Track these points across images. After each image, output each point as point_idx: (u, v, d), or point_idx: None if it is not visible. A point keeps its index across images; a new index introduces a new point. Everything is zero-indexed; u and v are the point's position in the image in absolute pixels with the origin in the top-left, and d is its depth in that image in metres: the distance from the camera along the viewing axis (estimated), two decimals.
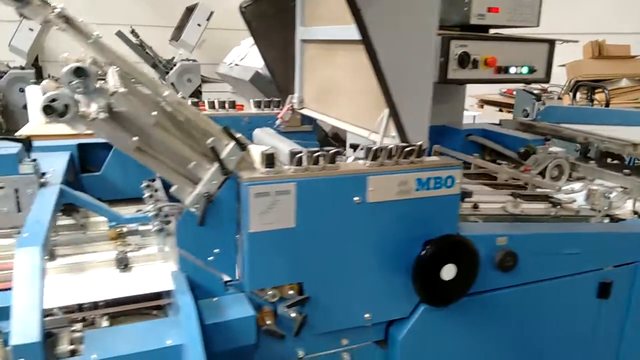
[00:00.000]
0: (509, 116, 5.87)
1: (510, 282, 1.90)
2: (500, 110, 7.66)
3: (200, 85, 8.47)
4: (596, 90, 5.36)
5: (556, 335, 2.01)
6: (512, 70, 2.74)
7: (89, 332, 1.40)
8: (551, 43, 2.80)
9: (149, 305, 1.76)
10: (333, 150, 1.57)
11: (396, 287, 1.75)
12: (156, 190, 2.49)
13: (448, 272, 1.67)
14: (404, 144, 1.64)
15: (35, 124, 3.99)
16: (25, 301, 1.26)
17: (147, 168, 2.70)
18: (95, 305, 1.69)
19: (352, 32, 2.07)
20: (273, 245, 1.54)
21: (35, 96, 3.96)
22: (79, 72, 1.26)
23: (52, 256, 1.95)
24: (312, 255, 1.61)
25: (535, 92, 5.25)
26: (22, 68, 8.23)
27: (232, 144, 1.49)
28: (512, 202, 2.24)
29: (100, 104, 1.34)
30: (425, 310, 1.80)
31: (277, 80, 2.88)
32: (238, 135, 1.49)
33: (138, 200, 2.78)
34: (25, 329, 1.21)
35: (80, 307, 1.66)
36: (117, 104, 1.36)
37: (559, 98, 6.47)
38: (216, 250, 1.57)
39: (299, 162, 1.52)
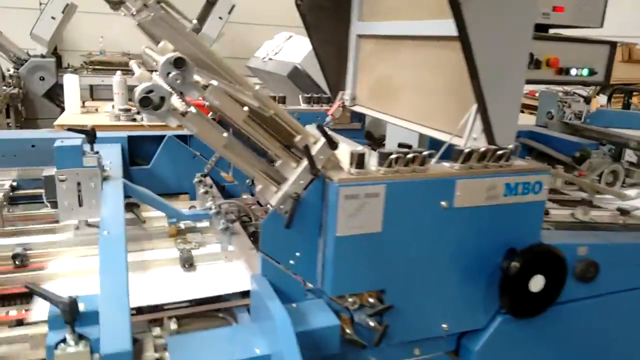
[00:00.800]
0: (531, 118, 5.75)
1: (588, 293, 1.82)
2: (522, 112, 7.56)
3: None
4: (633, 94, 5.24)
5: (635, 347, 1.93)
6: (573, 72, 2.65)
7: (171, 339, 1.33)
8: (612, 45, 2.70)
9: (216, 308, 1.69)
10: (425, 151, 1.49)
11: (475, 297, 1.67)
12: (211, 187, 2.43)
13: (536, 283, 1.59)
14: (494, 147, 1.56)
15: (71, 114, 3.94)
16: (113, 307, 1.19)
17: (195, 163, 2.68)
18: (161, 306, 1.63)
19: (428, 27, 2.00)
20: (358, 250, 1.47)
21: (72, 85, 3.89)
22: (179, 63, 1.18)
23: None
24: (396, 262, 1.53)
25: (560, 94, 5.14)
26: (42, 56, 8.18)
27: (322, 142, 1.41)
28: (582, 209, 2.15)
29: (193, 97, 1.27)
30: (503, 321, 1.72)
31: (328, 76, 2.79)
32: (329, 133, 1.41)
33: (183, 195, 2.73)
34: (115, 337, 1.14)
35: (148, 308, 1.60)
36: (210, 98, 1.29)
37: (587, 102, 6.35)
38: (297, 254, 1.49)
39: (390, 164, 1.44)
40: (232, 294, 1.65)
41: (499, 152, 1.54)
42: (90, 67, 8.33)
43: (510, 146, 1.57)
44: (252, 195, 2.72)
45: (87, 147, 1.88)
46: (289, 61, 4.09)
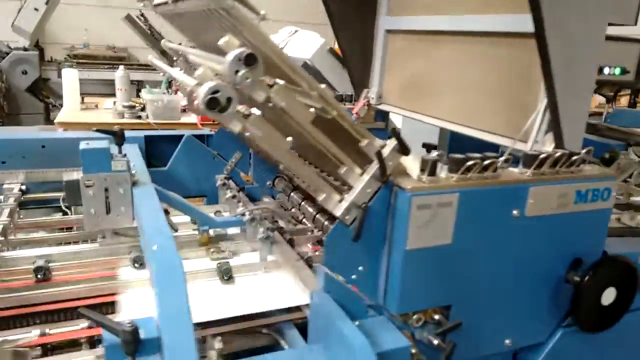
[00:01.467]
0: None
1: None
2: None
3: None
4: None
5: None
6: (606, 71, 2.58)
7: None
8: None
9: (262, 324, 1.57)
10: (497, 156, 1.38)
11: (538, 310, 1.58)
12: (239, 191, 2.29)
13: (608, 296, 1.50)
14: (568, 152, 1.46)
15: (70, 110, 3.72)
16: (175, 333, 1.05)
17: (214, 165, 2.53)
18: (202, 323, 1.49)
19: (476, 23, 1.89)
20: (427, 265, 1.35)
21: (71, 79, 3.68)
22: (250, 59, 1.05)
23: (141, 264, 1.73)
24: (464, 276, 1.42)
25: None
26: (25, 49, 7.86)
27: (391, 147, 1.28)
28: (629, 214, 2.08)
29: (259, 98, 1.13)
30: (564, 334, 1.63)
31: (353, 73, 2.67)
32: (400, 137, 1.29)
33: (199, 197, 2.59)
34: None
35: None
36: (277, 99, 1.15)
37: (610, 101, 6.34)
38: (360, 268, 1.37)
39: (466, 170, 1.33)
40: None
41: (574, 157, 1.44)
42: (74, 60, 8.05)
43: (584, 151, 1.47)
44: (273, 197, 2.59)
45: (114, 150, 1.72)
46: (298, 57, 3.95)
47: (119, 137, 1.72)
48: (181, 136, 2.48)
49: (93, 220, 1.67)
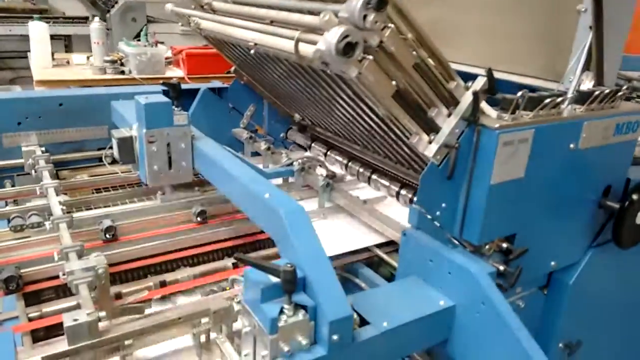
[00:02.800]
0: None
1: None
2: None
3: (145, 26, 7.66)
4: None
5: None
6: None
7: (353, 297, 1.27)
8: None
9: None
10: (559, 95, 1.50)
11: (576, 233, 1.77)
12: (273, 143, 2.28)
13: None
14: (612, 89, 1.61)
15: (42, 68, 3.42)
16: (319, 272, 1.10)
17: (230, 118, 2.50)
18: None
19: None
20: (504, 197, 1.47)
21: (40, 34, 3.37)
22: (381, 4, 1.06)
23: (205, 219, 1.74)
24: (529, 205, 1.56)
25: None
26: None
27: (479, 86, 1.36)
28: None
29: (374, 42, 1.16)
30: (594, 253, 1.85)
31: None
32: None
33: None
34: (334, 303, 1.07)
35: None
36: (388, 43, 1.18)
37: None
38: (443, 205, 1.47)
39: (542, 107, 1.44)
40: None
41: (619, 93, 1.59)
42: None
43: (625, 87, 1.63)
44: (286, 148, 2.61)
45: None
46: None
47: (176, 91, 1.67)
48: (195, 90, 2.41)
49: (155, 177, 1.64)
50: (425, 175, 1.40)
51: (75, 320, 1.01)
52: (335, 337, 1.06)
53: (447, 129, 1.38)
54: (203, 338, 1.28)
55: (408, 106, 1.37)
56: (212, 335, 1.31)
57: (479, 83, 1.36)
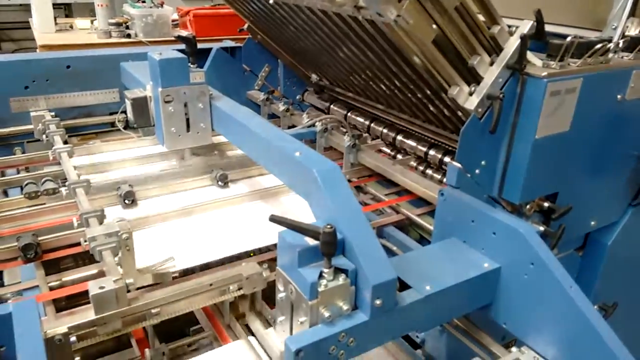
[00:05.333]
0: None
1: None
2: None
3: None
4: None
5: None
6: None
7: (393, 260, 1.19)
8: None
9: None
10: (608, 41, 1.38)
11: (617, 191, 1.68)
12: (292, 104, 2.18)
13: None
14: None
15: (44, 33, 3.29)
16: (360, 235, 1.02)
17: (244, 80, 2.39)
18: None
19: None
20: (548, 153, 1.38)
21: None
22: None
23: (225, 183, 1.66)
24: (574, 162, 1.47)
25: None
26: None
27: (526, 30, 1.24)
28: None
29: None
30: (634, 212, 1.76)
31: None
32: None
33: None
34: (377, 266, 0.99)
35: None
36: None
37: None
38: (483, 162, 1.37)
39: (591, 54, 1.32)
40: None
41: None
42: None
43: None
44: (302, 111, 2.51)
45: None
46: None
47: (192, 46, 1.55)
48: (207, 50, 2.29)
49: (173, 140, 1.55)
50: (466, 130, 1.30)
51: (102, 288, 0.94)
52: (378, 301, 0.99)
53: (489, 79, 1.27)
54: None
55: (447, 54, 1.26)
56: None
57: (526, 26, 1.25)
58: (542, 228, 1.49)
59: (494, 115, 1.26)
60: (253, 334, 1.34)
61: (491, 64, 1.28)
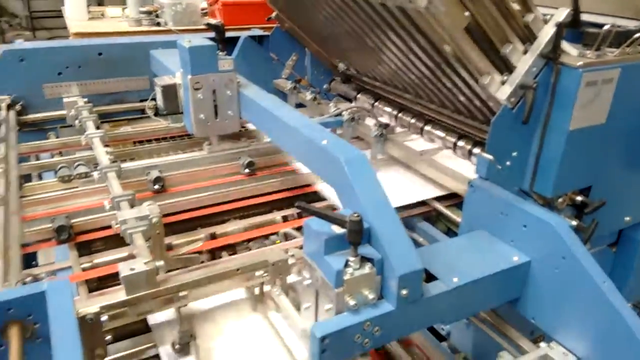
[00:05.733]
0: None
1: None
2: None
3: None
4: None
5: None
6: None
7: (420, 251, 1.19)
8: None
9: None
10: None
11: None
12: (319, 93, 2.18)
13: None
14: None
15: (78, 21, 3.36)
16: (386, 224, 1.02)
17: (270, 69, 2.39)
18: None
19: None
20: (582, 145, 1.34)
21: None
22: None
23: (252, 171, 1.66)
24: (609, 155, 1.42)
25: None
26: None
27: (562, 18, 1.20)
28: None
29: None
30: None
31: None
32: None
33: None
34: (404, 256, 0.99)
35: None
36: None
37: None
38: (514, 154, 1.34)
39: (630, 44, 1.28)
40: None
41: None
42: None
43: None
44: (329, 100, 2.50)
45: None
46: None
47: (221, 33, 1.56)
48: (236, 38, 2.30)
49: (201, 127, 1.56)
50: (497, 120, 1.27)
51: (132, 269, 0.96)
52: (404, 291, 0.99)
53: (522, 68, 1.24)
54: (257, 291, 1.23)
55: (479, 42, 1.24)
56: (266, 288, 1.26)
57: (561, 14, 1.21)
58: (574, 222, 1.45)
59: (527, 106, 1.23)
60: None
61: (524, 52, 1.25)
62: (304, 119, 1.33)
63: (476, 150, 1.68)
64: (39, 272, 1.24)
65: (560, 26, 1.17)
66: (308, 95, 2.10)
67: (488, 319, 1.29)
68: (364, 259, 0.99)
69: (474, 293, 1.13)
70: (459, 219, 1.54)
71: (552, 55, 1.22)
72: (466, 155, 1.74)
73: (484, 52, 1.24)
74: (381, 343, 1.04)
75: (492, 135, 1.28)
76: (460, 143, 1.76)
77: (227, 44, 2.21)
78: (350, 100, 2.37)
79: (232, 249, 1.45)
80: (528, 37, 1.25)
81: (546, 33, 1.24)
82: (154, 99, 1.95)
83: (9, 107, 1.86)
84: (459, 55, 1.25)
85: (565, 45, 1.30)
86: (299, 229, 1.52)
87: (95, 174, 1.42)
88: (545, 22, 1.25)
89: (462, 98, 1.60)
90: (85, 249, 1.39)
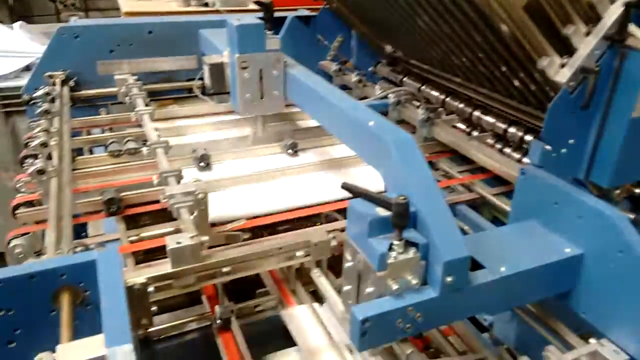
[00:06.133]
0: None
1: None
2: None
3: None
4: None
5: None
6: None
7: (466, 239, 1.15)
8: None
9: None
10: None
11: None
12: (365, 75, 2.15)
13: None
14: None
15: (126, 1, 3.44)
16: (433, 207, 0.99)
17: (316, 50, 2.37)
18: None
19: None
20: None
21: None
22: None
23: (296, 152, 1.66)
24: None
25: None
26: None
27: None
28: None
29: None
30: None
31: None
32: None
33: None
34: (450, 241, 0.96)
35: None
36: None
37: None
38: (571, 141, 1.28)
39: None
40: None
41: None
42: None
43: None
44: (374, 83, 2.46)
45: None
46: None
47: (269, 12, 1.55)
48: (283, 19, 2.29)
49: (247, 106, 1.57)
50: (555, 105, 1.21)
51: (179, 243, 0.98)
52: (449, 278, 0.96)
53: (584, 50, 1.17)
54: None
55: (539, 23, 1.17)
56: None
57: None
58: (631, 216, 1.38)
59: (588, 91, 1.17)
60: (317, 301, 1.36)
61: (587, 34, 1.18)
62: (350, 100, 1.31)
63: (528, 138, 1.62)
64: (90, 242, 1.28)
65: (628, 7, 1.10)
66: (353, 77, 2.07)
67: (534, 312, 1.24)
68: (409, 244, 0.97)
69: (522, 284, 1.09)
70: (506, 208, 1.49)
71: (617, 38, 1.14)
72: (516, 143, 1.68)
73: (544, 33, 1.18)
74: (423, 329, 1.02)
75: (549, 121, 1.22)
76: (511, 130, 1.70)
77: (274, 24, 2.22)
78: (395, 84, 2.32)
79: (273, 229, 1.46)
80: (592, 17, 1.18)
81: (612, 14, 1.16)
82: (201, 79, 1.97)
83: (63, 82, 1.92)
84: (516, 35, 1.19)
85: (633, 28, 1.22)
86: (340, 211, 1.51)
87: (144, 150, 1.45)
88: (612, 2, 1.17)
89: (516, 82, 1.53)
90: (132, 222, 1.43)
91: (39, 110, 1.63)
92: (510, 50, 1.34)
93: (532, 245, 1.15)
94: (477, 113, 1.84)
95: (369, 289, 0.99)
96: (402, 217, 0.93)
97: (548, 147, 1.23)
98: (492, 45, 1.42)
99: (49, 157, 1.38)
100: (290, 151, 1.64)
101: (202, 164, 1.53)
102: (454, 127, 1.87)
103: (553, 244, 1.15)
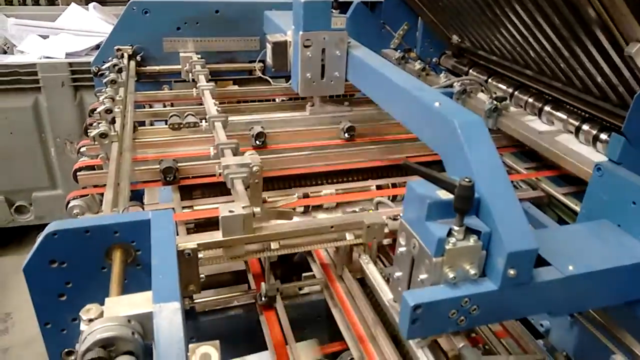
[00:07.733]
0: None
1: None
2: None
3: None
4: None
5: None
6: None
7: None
8: None
9: None
10: None
11: None
12: (429, 64, 2.08)
13: None
14: None
15: None
16: (506, 197, 0.92)
17: (380, 37, 2.31)
18: None
19: None
20: None
21: None
22: None
23: (352, 137, 1.62)
24: None
25: None
26: None
27: None
28: None
29: None
30: None
31: None
32: None
33: None
34: (518, 233, 0.89)
35: None
36: None
37: None
38: None
39: None
40: None
41: None
42: None
43: None
44: (435, 72, 2.37)
45: None
46: None
47: None
48: (349, 3, 2.25)
49: (307, 86, 1.54)
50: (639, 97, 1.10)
51: (231, 212, 0.97)
52: (511, 271, 0.89)
53: None
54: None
55: (631, 5, 1.07)
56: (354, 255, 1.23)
57: None
58: None
59: None
60: (363, 288, 1.32)
61: None
62: (414, 80, 1.25)
63: (603, 136, 1.50)
64: (145, 208, 1.30)
65: None
66: (417, 65, 2.01)
67: (598, 318, 1.15)
68: (469, 231, 0.91)
69: (591, 286, 1.00)
70: (575, 207, 1.39)
71: None
72: (590, 141, 1.56)
73: (636, 17, 1.08)
74: (477, 324, 0.96)
75: (632, 113, 1.12)
76: (585, 127, 1.58)
77: (340, 8, 2.19)
78: (460, 76, 2.24)
79: (324, 210, 1.43)
80: None
81: None
82: (262, 61, 1.97)
83: (130, 57, 1.98)
84: (605, 19, 1.10)
85: None
86: (392, 199, 1.47)
87: (204, 123, 1.46)
88: None
89: (596, 74, 1.42)
90: (186, 194, 1.44)
91: (106, 79, 1.68)
92: (595, 37, 1.24)
93: (604, 246, 1.06)
94: (547, 108, 1.73)
95: (423, 276, 0.94)
96: (466, 201, 0.87)
97: (629, 142, 1.13)
98: (575, 32, 1.32)
99: (113, 122, 1.41)
100: (346, 135, 1.60)
101: (257, 142, 1.52)
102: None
103: (628, 247, 1.05)
